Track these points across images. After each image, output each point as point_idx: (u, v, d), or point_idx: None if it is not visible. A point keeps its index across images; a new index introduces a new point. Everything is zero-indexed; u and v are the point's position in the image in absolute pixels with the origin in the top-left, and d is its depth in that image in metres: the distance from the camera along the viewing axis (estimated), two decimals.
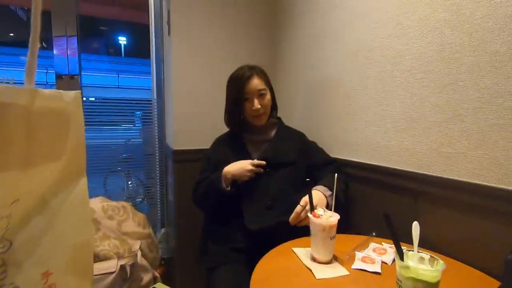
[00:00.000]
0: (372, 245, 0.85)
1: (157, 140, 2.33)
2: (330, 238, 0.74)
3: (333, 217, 0.76)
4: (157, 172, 2.40)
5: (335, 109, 1.25)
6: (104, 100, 2.19)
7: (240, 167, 1.05)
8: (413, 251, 0.55)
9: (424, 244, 0.65)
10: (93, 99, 2.31)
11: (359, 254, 0.79)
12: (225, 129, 1.32)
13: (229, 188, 1.04)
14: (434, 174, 0.84)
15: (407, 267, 0.51)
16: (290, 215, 0.91)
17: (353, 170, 1.14)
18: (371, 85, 1.06)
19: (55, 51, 1.70)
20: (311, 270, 0.71)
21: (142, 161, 2.48)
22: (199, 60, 1.64)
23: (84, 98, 2.07)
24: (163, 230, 2.25)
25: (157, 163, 2.39)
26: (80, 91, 0.29)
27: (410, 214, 0.92)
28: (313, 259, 0.76)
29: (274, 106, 1.23)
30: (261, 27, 1.76)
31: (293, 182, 1.09)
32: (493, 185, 0.70)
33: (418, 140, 0.89)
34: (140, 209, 2.39)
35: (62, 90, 0.28)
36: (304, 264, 0.74)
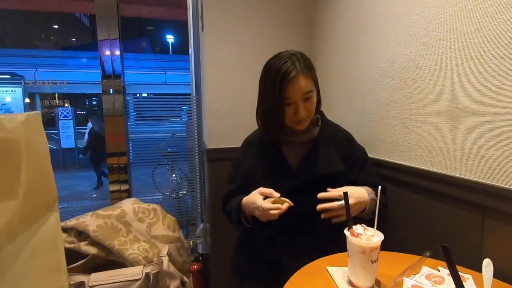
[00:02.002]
0: (425, 269, 0.71)
1: (196, 135, 2.36)
2: (372, 262, 0.63)
3: (376, 237, 0.64)
4: (197, 166, 2.44)
5: (380, 104, 1.09)
6: (152, 96, 2.29)
7: (252, 207, 0.86)
8: None
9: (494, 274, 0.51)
10: (145, 95, 2.42)
11: (408, 282, 0.66)
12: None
13: (249, 225, 0.91)
14: (506, 186, 0.67)
15: None
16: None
17: (402, 175, 0.99)
18: (426, 75, 0.89)
19: (100, 53, 1.79)
20: None
21: (186, 155, 2.56)
22: (231, 56, 1.58)
23: (138, 94, 2.18)
24: (202, 225, 2.29)
25: (197, 157, 2.43)
26: (38, 111, 0.25)
27: (475, 235, 0.75)
28: (351, 284, 0.66)
29: (318, 101, 0.99)
30: (297, 19, 1.63)
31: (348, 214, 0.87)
32: None
33: (489, 144, 0.71)
34: (184, 202, 2.49)
35: (3, 115, 0.23)
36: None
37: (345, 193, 0.72)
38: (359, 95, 1.22)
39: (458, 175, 0.80)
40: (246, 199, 0.90)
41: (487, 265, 0.43)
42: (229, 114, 1.61)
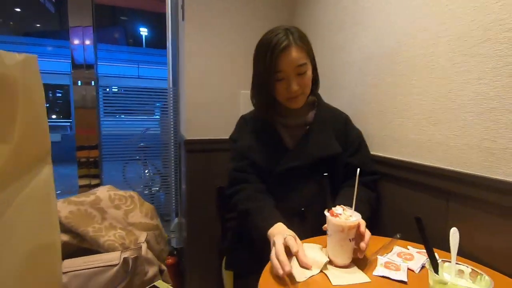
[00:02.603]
0: (397, 248, 0.76)
1: (172, 129, 2.31)
2: (350, 240, 0.67)
3: (354, 217, 0.68)
4: (172, 161, 2.40)
5: (357, 98, 1.15)
6: (126, 90, 2.21)
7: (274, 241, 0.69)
8: (450, 262, 0.46)
9: (464, 255, 0.56)
10: (116, 89, 2.33)
11: (381, 259, 0.70)
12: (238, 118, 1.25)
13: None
14: (472, 173, 0.74)
15: (444, 283, 0.42)
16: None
17: (377, 165, 1.05)
18: (400, 71, 0.95)
19: (70, 41, 1.69)
20: (326, 275, 0.64)
21: (159, 150, 2.51)
22: (212, 47, 1.57)
23: (107, 89, 2.10)
24: (176, 220, 2.25)
25: (172, 152, 2.38)
26: (36, 55, 0.24)
27: (440, 217, 0.82)
28: (329, 262, 0.69)
29: (315, 81, 0.96)
30: (279, 10, 1.66)
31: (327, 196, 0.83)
32: None
33: (455, 134, 0.78)
34: (157, 198, 2.43)
35: (2, 50, 0.22)
36: (318, 268, 0.67)
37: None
38: (337, 89, 1.27)
39: (426, 163, 0.86)
40: (276, 235, 0.71)
41: (454, 233, 0.47)
42: (209, 105, 1.60)
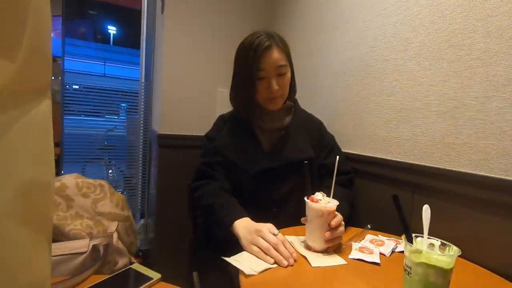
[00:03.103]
0: (369, 236, 0.80)
1: (141, 129, 2.23)
2: (328, 225, 0.69)
3: (332, 203, 0.70)
4: (140, 162, 2.30)
5: (334, 99, 1.21)
6: (89, 89, 2.10)
7: (252, 230, 0.70)
8: (422, 236, 0.50)
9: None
10: (77, 87, 2.21)
11: (355, 245, 0.74)
12: (214, 115, 1.24)
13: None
14: (434, 166, 0.81)
15: (419, 252, 0.46)
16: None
17: (351, 162, 1.10)
18: (373, 74, 1.02)
19: None
20: (306, 258, 0.65)
21: (125, 152, 2.40)
22: (192, 42, 1.56)
23: (68, 86, 1.99)
24: (142, 221, 2.15)
25: (141, 152, 2.29)
26: None
27: (406, 208, 0.88)
28: (308, 248, 0.71)
29: (292, 86, 1.00)
30: (259, 12, 1.70)
31: (307, 183, 0.87)
32: (500, 176, 0.67)
33: (421, 131, 0.85)
34: None
35: None
36: (298, 252, 0.68)
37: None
38: (315, 90, 1.33)
39: (395, 159, 0.93)
40: (239, 228, 0.74)
41: (426, 209, 0.51)
42: (184, 101, 1.57)
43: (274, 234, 0.67)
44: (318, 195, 0.71)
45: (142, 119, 2.20)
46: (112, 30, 10.40)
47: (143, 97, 2.17)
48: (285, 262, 0.62)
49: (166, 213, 1.60)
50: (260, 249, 0.65)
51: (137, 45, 2.35)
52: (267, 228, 0.69)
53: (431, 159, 0.82)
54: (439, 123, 0.80)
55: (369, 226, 0.88)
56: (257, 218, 0.78)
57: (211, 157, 0.97)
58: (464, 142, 0.74)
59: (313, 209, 0.69)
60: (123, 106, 2.34)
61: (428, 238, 0.50)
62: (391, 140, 0.95)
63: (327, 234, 0.68)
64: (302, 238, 0.75)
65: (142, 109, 2.22)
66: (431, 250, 0.49)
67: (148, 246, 1.89)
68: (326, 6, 1.27)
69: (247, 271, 0.58)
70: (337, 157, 0.74)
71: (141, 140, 2.28)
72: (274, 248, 0.64)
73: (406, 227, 0.50)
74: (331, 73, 1.23)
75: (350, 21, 1.13)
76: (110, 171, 2.71)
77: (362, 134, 1.06)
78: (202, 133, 1.63)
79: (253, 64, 0.86)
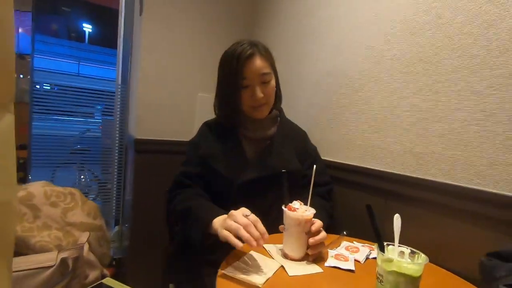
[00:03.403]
0: (344, 243, 0.82)
1: (117, 132, 2.16)
2: (305, 233, 0.70)
3: (309, 211, 0.71)
4: (116, 166, 2.22)
5: (313, 107, 1.23)
6: (62, 89, 2.00)
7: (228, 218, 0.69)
8: (393, 245, 0.52)
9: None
10: (48, 86, 2.10)
11: (331, 252, 0.75)
12: (193, 121, 1.23)
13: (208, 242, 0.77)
14: (406, 174, 0.85)
15: (390, 260, 0.47)
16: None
17: (328, 170, 1.12)
18: (350, 84, 1.05)
19: None
20: (283, 267, 0.66)
21: (99, 156, 2.31)
22: (171, 45, 1.54)
23: (38, 86, 1.88)
24: (116, 228, 2.07)
25: (116, 157, 2.21)
26: None
27: (379, 215, 0.91)
28: (285, 256, 0.71)
29: (277, 95, 0.99)
30: (239, 17, 1.71)
31: (291, 194, 0.85)
32: (465, 185, 0.71)
33: (394, 140, 0.89)
34: None
35: None
36: (275, 260, 0.69)
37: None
38: (295, 99, 1.35)
39: (369, 167, 0.96)
40: (217, 221, 0.74)
41: (397, 218, 0.53)
42: (163, 105, 1.54)
43: (246, 215, 0.66)
44: (296, 204, 0.72)
45: (118, 122, 2.14)
46: (87, 28, 10.01)
47: (119, 99, 2.11)
48: (254, 243, 0.60)
49: (142, 220, 1.56)
50: (231, 232, 0.63)
51: (114, 45, 2.28)
52: (240, 211, 0.68)
53: (403, 168, 0.86)
54: (410, 133, 0.84)
55: (345, 232, 0.90)
56: None
57: (193, 167, 0.94)
58: (433, 152, 0.78)
59: (291, 218, 0.70)
60: (99, 107, 2.25)
61: (399, 246, 0.52)
62: (367, 148, 0.98)
63: (311, 240, 0.69)
64: (279, 246, 0.76)
65: (118, 112, 2.15)
66: (401, 258, 0.51)
67: (122, 255, 1.82)
68: (305, 18, 1.30)
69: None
70: (314, 166, 0.75)
71: (117, 144, 2.21)
72: (244, 229, 0.62)
73: (379, 236, 0.52)
74: (310, 82, 1.25)
75: (328, 33, 1.16)
76: (82, 176, 2.60)
77: (340, 142, 1.09)
78: (181, 139, 1.61)
79: (237, 72, 0.87)
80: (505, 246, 0.53)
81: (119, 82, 2.18)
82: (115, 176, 2.23)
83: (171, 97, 1.56)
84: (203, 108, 1.62)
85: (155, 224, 1.51)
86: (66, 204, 0.85)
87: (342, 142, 1.07)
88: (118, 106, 2.13)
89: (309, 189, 0.75)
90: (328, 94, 1.15)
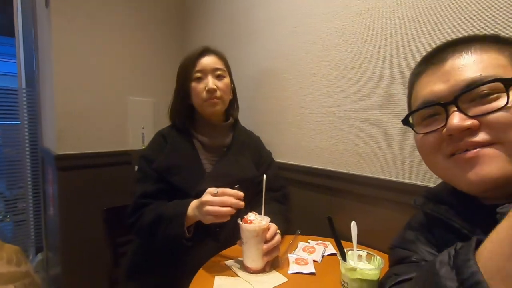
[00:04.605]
0: (301, 244, 0.87)
1: (27, 142, 1.82)
2: (264, 242, 0.71)
3: (264, 220, 0.73)
4: (29, 182, 1.88)
5: (253, 110, 1.24)
6: None
7: (201, 204, 0.73)
8: (352, 250, 0.57)
9: (342, 237, 0.67)
10: None
11: (291, 257, 0.78)
12: (127, 128, 1.11)
13: (189, 238, 0.78)
14: (349, 172, 0.92)
15: (354, 269, 0.52)
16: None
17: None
18: (291, 87, 1.09)
19: None
20: (251, 284, 0.66)
21: (2, 169, 1.92)
22: (92, 44, 1.35)
23: None
24: (39, 256, 1.78)
25: (29, 171, 1.87)
26: None
27: (326, 210, 0.99)
28: (247, 269, 0.71)
29: (235, 103, 1.02)
30: (169, 10, 1.59)
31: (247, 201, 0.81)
32: (397, 179, 0.81)
33: (336, 141, 0.96)
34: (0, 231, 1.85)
35: None
36: (242, 278, 0.68)
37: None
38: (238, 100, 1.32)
39: (315, 166, 1.02)
40: (192, 205, 0.76)
41: (353, 226, 0.58)
42: (87, 113, 1.35)
43: (214, 195, 0.71)
44: (251, 216, 0.72)
45: (27, 130, 1.80)
46: None
47: (25, 102, 1.77)
48: (241, 204, 0.70)
49: (74, 245, 1.37)
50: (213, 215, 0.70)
51: (10, 32, 1.88)
52: (208, 195, 0.72)
53: (345, 166, 0.94)
54: (350, 134, 0.92)
55: (298, 231, 0.95)
56: (199, 238, 0.80)
57: (151, 184, 0.87)
58: (370, 151, 0.87)
59: (248, 231, 0.70)
60: None
61: (357, 250, 0.57)
62: (312, 149, 1.03)
63: (265, 247, 0.70)
64: (240, 259, 0.76)
65: (26, 118, 1.81)
66: (359, 261, 0.56)
67: (53, 286, 1.59)
68: (242, 18, 1.27)
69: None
70: (264, 176, 0.76)
71: (28, 156, 1.86)
72: (222, 206, 0.69)
73: (341, 248, 0.55)
74: (251, 84, 1.25)
75: (264, 35, 1.17)
76: None
77: (285, 143, 1.12)
78: (115, 149, 1.45)
79: (189, 66, 0.91)
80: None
81: (23, 80, 1.83)
82: (30, 194, 1.90)
83: (97, 104, 1.38)
84: (135, 113, 1.47)
85: (94, 245, 1.35)
86: None
87: (290, 143, 1.11)
88: (25, 111, 1.79)
89: (265, 196, 0.76)
90: (270, 97, 1.17)
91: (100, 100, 1.38)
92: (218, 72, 0.93)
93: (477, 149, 0.37)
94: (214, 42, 1.44)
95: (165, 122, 1.04)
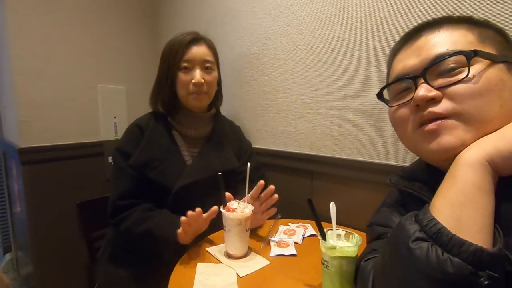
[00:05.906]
0: (281, 227, 0.88)
1: None
2: (246, 230, 0.71)
3: (247, 208, 0.72)
4: None
5: (231, 95, 1.21)
6: None
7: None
8: (331, 230, 0.58)
9: (322, 218, 0.69)
10: None
11: (273, 240, 0.79)
12: (97, 117, 1.04)
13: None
14: (327, 155, 0.94)
15: (334, 248, 0.53)
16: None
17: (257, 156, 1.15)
18: (268, 71, 1.07)
19: None
20: (234, 269, 0.66)
21: None
22: (54, 28, 1.24)
23: None
24: (8, 256, 1.68)
25: None
26: None
27: (307, 192, 1.00)
28: (229, 256, 0.71)
29: (219, 95, 0.99)
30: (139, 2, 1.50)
31: (222, 194, 0.81)
32: (372, 160, 0.84)
33: (313, 125, 0.96)
34: None
35: None
36: (224, 264, 0.68)
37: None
38: None
39: (294, 151, 1.03)
40: (183, 231, 0.74)
41: (332, 206, 0.59)
42: (53, 103, 1.27)
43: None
44: (234, 204, 0.72)
45: None
46: None
47: None
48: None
49: (48, 242, 1.31)
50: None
51: None
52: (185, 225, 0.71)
53: (323, 150, 0.95)
54: (327, 118, 0.93)
55: (279, 215, 0.96)
56: None
57: (129, 182, 0.83)
58: (347, 134, 0.89)
59: (231, 219, 0.69)
60: None
61: (336, 230, 0.58)
62: (290, 134, 1.04)
63: (264, 205, 0.76)
64: (222, 246, 0.75)
65: None
66: (338, 240, 0.57)
67: (24, 286, 1.51)
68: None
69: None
70: (248, 164, 0.75)
71: None
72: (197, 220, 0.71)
73: (321, 228, 0.56)
74: (227, 68, 1.22)
75: (240, 16, 1.13)
76: None
77: (263, 128, 1.12)
78: (86, 140, 1.38)
79: (178, 53, 0.85)
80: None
81: None
82: None
83: (63, 92, 1.29)
84: (107, 102, 1.40)
85: (64, 243, 1.30)
86: None
87: (268, 128, 1.11)
88: None
89: (246, 184, 0.76)
90: (248, 82, 1.15)
91: (66, 88, 1.29)
92: (207, 65, 0.88)
93: (439, 121, 0.40)
94: (186, 25, 1.39)
95: (139, 111, 0.99)
